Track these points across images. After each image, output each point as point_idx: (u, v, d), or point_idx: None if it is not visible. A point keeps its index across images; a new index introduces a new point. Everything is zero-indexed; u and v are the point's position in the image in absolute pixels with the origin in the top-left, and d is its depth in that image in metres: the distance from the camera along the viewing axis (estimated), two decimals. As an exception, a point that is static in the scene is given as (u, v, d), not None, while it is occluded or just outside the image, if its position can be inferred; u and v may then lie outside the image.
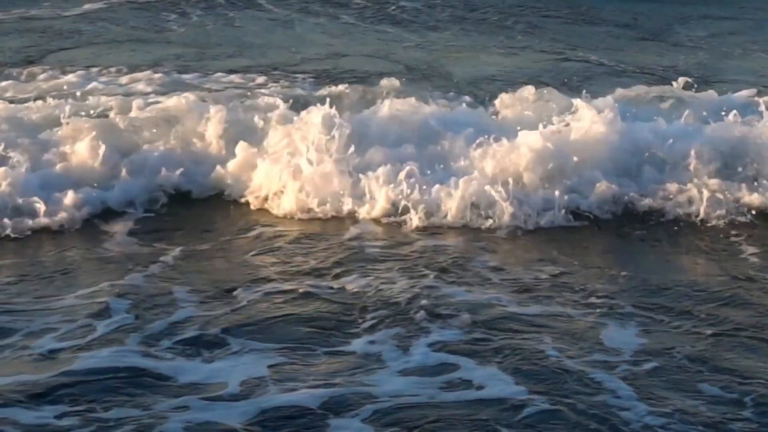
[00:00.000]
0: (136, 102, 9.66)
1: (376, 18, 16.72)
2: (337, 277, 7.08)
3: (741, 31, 16.91)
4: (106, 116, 9.33)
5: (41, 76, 11.99)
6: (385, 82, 10.54)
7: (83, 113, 9.35)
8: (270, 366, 5.69)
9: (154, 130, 9.05)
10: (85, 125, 8.89)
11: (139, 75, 12.16)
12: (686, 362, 5.86)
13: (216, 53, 13.66)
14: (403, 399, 5.33)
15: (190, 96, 9.54)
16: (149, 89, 11.38)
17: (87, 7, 16.19)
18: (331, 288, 6.87)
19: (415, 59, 13.68)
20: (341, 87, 9.19)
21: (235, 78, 12.17)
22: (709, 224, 8.30)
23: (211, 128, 8.97)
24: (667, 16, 17.93)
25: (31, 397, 5.28)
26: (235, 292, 6.77)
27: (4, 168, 8.26)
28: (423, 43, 15.13)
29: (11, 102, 9.86)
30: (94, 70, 12.49)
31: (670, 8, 18.34)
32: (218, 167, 8.75)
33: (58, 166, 8.56)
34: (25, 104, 9.68)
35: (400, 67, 13.05)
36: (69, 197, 8.14)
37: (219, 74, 12.31)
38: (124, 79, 12.01)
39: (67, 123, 8.90)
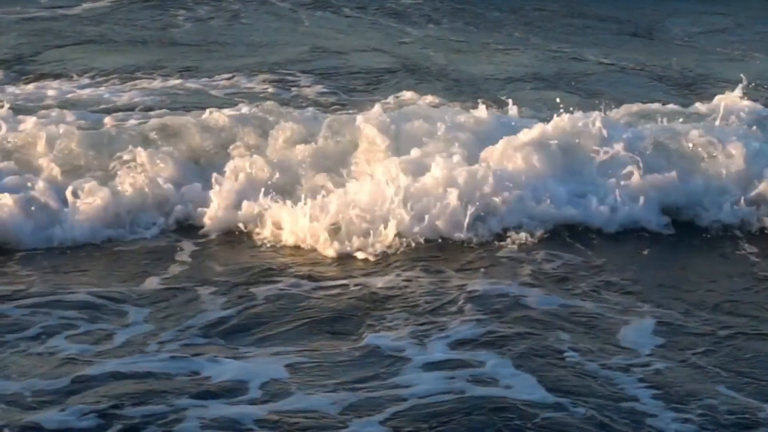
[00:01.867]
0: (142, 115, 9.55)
1: (378, 12, 16.73)
2: (358, 274, 7.10)
3: (730, 29, 17.01)
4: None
5: (37, 83, 11.78)
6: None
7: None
8: (289, 365, 5.68)
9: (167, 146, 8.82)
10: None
11: (140, 81, 11.95)
12: (706, 363, 5.89)
13: (223, 53, 13.64)
14: (424, 399, 5.31)
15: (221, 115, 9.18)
16: (150, 98, 11.15)
17: (87, 5, 16.10)
18: (352, 285, 6.88)
19: (418, 56, 13.73)
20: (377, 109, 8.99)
21: (242, 81, 12.09)
22: (730, 227, 8.38)
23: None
24: (661, 12, 17.99)
25: (52, 400, 5.26)
26: (254, 291, 6.78)
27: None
28: (424, 38, 15.19)
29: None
30: (98, 73, 12.34)
31: (663, 4, 18.40)
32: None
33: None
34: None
35: (404, 65, 13.07)
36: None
37: (226, 78, 12.21)
38: (127, 85, 11.83)
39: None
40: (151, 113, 9.89)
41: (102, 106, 10.79)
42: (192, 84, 11.94)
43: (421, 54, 13.97)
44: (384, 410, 5.20)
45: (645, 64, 13.91)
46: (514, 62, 13.73)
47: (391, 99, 9.28)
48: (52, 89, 11.53)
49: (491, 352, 5.86)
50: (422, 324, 6.26)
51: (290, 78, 12.35)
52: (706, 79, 13.09)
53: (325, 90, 11.86)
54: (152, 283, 6.94)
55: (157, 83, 11.89)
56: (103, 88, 11.70)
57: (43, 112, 9.81)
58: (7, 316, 6.34)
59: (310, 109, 10.22)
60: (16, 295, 6.68)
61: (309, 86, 11.99)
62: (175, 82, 11.98)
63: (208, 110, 9.23)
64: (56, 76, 12.10)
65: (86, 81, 11.95)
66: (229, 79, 12.24)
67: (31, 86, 11.66)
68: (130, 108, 10.60)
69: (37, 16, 15.49)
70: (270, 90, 11.83)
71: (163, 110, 10.06)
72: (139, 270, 7.22)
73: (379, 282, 6.96)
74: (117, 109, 10.53)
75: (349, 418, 5.12)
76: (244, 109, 9.46)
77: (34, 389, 5.39)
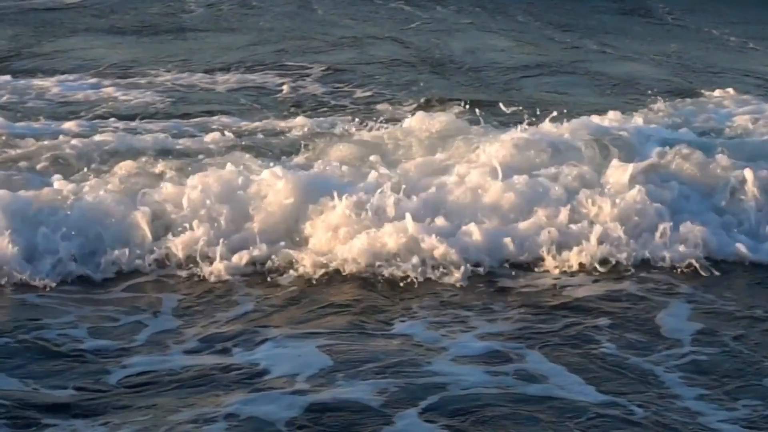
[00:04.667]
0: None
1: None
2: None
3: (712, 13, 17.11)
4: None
5: (35, 80, 11.43)
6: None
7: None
8: (325, 355, 5.62)
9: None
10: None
11: (145, 77, 11.64)
12: (747, 351, 5.84)
13: (233, 43, 13.50)
14: (460, 391, 5.24)
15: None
16: (155, 98, 10.79)
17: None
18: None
19: (430, 44, 13.67)
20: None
21: (252, 78, 11.78)
22: None
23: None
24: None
25: (84, 406, 5.13)
26: (281, 281, 6.71)
27: None
28: (433, 21, 15.18)
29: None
30: (101, 67, 12.08)
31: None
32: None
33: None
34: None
35: (416, 56, 13.01)
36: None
37: (235, 72, 11.96)
38: (131, 81, 11.48)
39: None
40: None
41: (103, 110, 10.50)
42: (198, 80, 11.66)
43: (433, 42, 13.91)
44: (418, 403, 5.13)
45: (646, 50, 13.92)
46: (522, 50, 13.70)
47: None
48: (51, 86, 11.24)
49: (527, 343, 5.82)
50: (455, 314, 6.20)
51: (301, 72, 12.11)
52: (711, 67, 13.10)
53: (336, 88, 11.56)
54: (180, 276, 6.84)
55: (163, 78, 11.63)
56: (105, 85, 11.37)
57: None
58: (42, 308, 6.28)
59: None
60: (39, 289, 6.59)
61: (320, 84, 11.72)
62: (181, 76, 11.73)
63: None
64: (56, 72, 11.81)
65: (88, 77, 11.65)
66: (238, 72, 12.01)
67: (28, 83, 11.34)
68: (131, 115, 10.28)
69: (37, 6, 15.32)
70: (281, 87, 11.52)
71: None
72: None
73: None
74: (117, 114, 10.26)
75: (390, 410, 5.04)
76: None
77: (67, 395, 5.26)
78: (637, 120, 9.03)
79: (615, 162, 7.92)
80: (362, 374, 5.39)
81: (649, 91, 11.19)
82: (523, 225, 7.31)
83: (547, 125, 8.47)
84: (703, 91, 11.25)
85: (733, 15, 16.72)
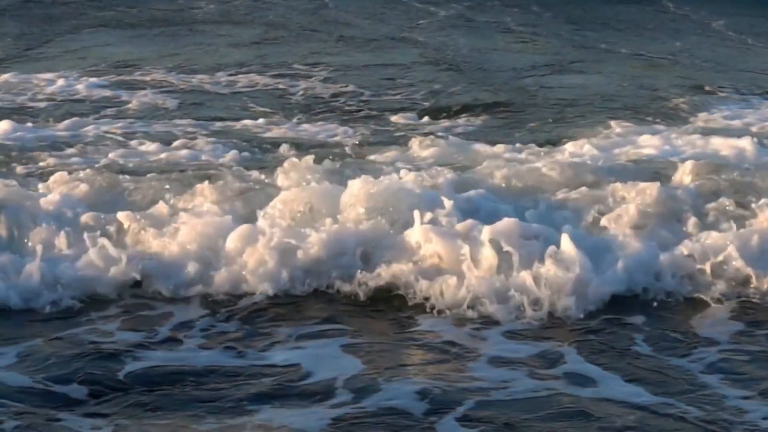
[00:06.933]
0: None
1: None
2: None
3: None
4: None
5: (38, 79, 11.16)
6: None
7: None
8: (352, 354, 5.55)
9: None
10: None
11: (149, 75, 11.43)
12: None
13: (242, 42, 13.41)
14: (501, 395, 5.14)
15: None
16: (157, 99, 10.56)
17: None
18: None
19: (442, 45, 13.58)
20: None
21: (259, 79, 11.52)
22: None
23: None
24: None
25: (98, 407, 5.04)
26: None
27: None
28: (446, 18, 15.16)
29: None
30: (106, 65, 11.86)
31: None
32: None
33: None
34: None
35: (430, 58, 12.87)
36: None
37: (242, 73, 11.74)
38: (135, 79, 11.29)
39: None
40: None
41: (107, 111, 10.26)
42: (203, 80, 11.44)
43: (447, 41, 13.87)
44: (459, 405, 5.04)
45: (655, 48, 13.87)
46: (536, 47, 13.66)
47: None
48: (54, 86, 11.00)
49: (562, 342, 5.73)
50: (480, 311, 6.07)
51: (310, 74, 11.87)
52: (718, 67, 13.05)
53: (344, 94, 11.22)
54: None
55: (170, 78, 11.43)
56: (109, 85, 11.13)
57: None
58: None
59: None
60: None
61: (327, 87, 11.43)
62: (186, 76, 11.54)
63: None
64: (59, 70, 11.58)
65: (91, 76, 11.40)
66: (245, 73, 11.78)
67: (31, 82, 11.11)
68: (136, 118, 10.02)
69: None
70: (286, 91, 11.23)
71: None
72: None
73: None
74: (121, 116, 10.03)
75: (429, 415, 4.95)
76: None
77: (84, 390, 5.19)
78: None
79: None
80: (395, 377, 5.28)
81: (669, 92, 11.13)
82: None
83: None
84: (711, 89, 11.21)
85: (730, 7, 16.77)
